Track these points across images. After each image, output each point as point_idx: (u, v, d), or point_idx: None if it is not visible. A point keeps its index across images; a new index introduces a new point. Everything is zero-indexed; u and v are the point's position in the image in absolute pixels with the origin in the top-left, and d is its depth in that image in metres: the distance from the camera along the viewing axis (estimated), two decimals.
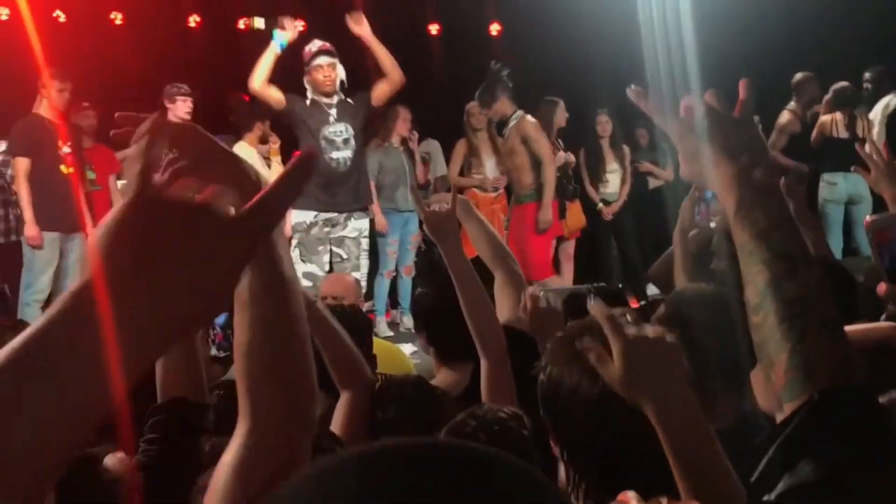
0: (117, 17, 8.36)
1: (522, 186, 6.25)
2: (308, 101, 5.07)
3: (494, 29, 9.17)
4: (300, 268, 5.01)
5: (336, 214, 5.07)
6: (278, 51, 5.06)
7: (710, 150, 1.11)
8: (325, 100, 5.03)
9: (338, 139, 5.00)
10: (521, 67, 8.11)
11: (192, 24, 8.71)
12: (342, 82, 5.10)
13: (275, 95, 5.03)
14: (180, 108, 5.98)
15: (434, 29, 9.20)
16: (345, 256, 5.10)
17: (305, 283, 5.00)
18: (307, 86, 5.09)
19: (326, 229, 5.06)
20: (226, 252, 0.64)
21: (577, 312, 2.42)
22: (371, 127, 5.89)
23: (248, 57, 8.56)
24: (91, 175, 6.23)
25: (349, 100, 5.14)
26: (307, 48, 5.02)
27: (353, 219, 5.11)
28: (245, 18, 8.77)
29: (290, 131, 6.20)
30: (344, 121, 5.01)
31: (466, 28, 9.06)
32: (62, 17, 8.19)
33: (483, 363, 2.30)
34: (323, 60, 4.95)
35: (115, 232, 0.63)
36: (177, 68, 7.32)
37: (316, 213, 5.01)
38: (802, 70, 7.19)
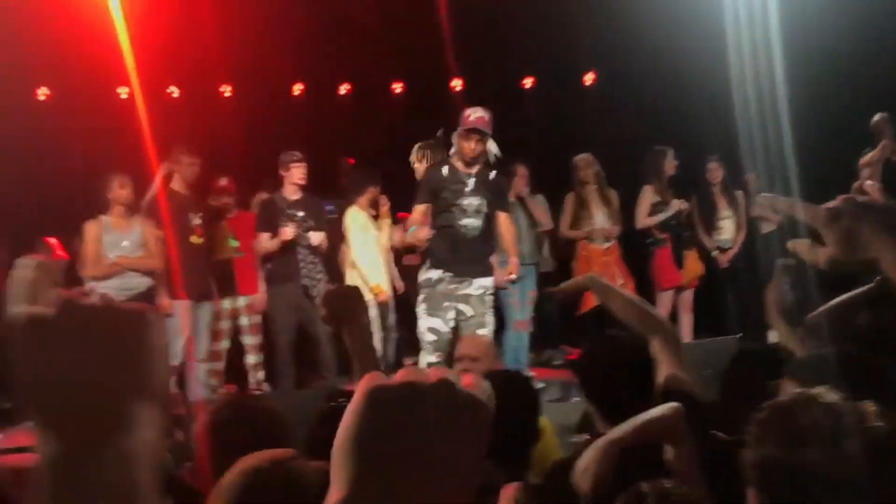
0: (226, 90, 8.70)
1: None
2: (446, 169, 5.14)
3: (588, 78, 9.15)
4: (425, 322, 5.08)
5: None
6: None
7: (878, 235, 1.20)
8: (464, 169, 5.10)
9: (470, 209, 5.10)
10: (619, 117, 8.10)
11: (296, 93, 8.99)
12: (495, 156, 5.22)
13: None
14: (295, 175, 6.12)
15: (528, 82, 9.27)
16: (470, 314, 5.09)
17: (430, 336, 5.06)
18: (453, 142, 5.18)
19: (452, 286, 5.07)
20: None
21: None
22: None
23: (352, 120, 8.93)
24: (234, 243, 6.42)
25: (490, 175, 5.19)
26: (468, 111, 5.06)
27: (478, 277, 5.12)
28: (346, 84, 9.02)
29: (399, 194, 6.30)
30: (479, 194, 5.10)
31: (561, 79, 9.09)
32: (175, 93, 8.59)
33: None
34: (475, 134, 5.04)
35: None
36: (285, 136, 7.54)
37: (443, 270, 5.07)
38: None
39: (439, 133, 5.79)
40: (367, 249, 6.19)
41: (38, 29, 6.72)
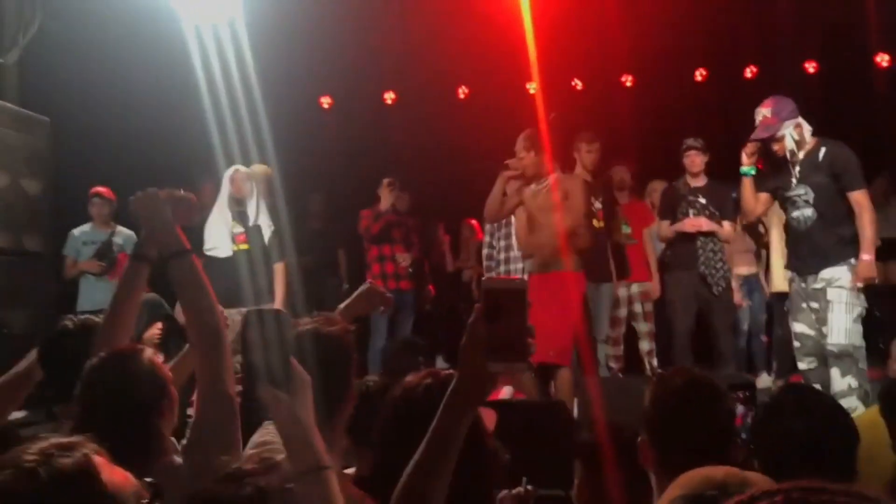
0: (627, 80, 8.79)
1: None
2: None
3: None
4: None
5: None
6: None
7: None
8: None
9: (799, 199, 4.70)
10: None
11: (699, 78, 8.78)
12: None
13: None
14: (690, 162, 5.97)
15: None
16: None
17: None
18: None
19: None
20: None
21: None
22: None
23: (749, 104, 8.50)
24: (626, 229, 6.54)
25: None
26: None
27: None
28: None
29: None
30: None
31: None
32: (579, 85, 8.90)
33: None
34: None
35: None
36: (687, 122, 7.41)
37: None
38: None
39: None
40: None
41: (456, 32, 7.40)
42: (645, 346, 6.58)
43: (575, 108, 7.81)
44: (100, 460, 1.26)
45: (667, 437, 2.05)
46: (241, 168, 5.79)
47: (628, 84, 8.80)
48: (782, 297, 5.64)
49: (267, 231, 5.72)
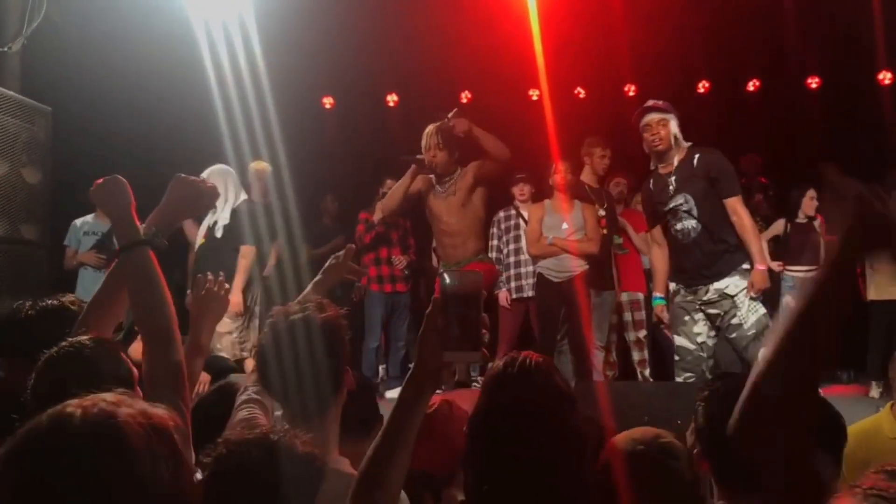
0: (630, 90, 8.80)
1: None
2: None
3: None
4: None
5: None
6: None
7: None
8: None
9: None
10: None
11: (702, 91, 8.80)
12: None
13: None
14: None
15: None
16: None
17: None
18: None
19: None
20: None
21: None
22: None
23: (751, 118, 8.54)
24: (618, 240, 6.55)
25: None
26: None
27: None
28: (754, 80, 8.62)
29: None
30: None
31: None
32: (582, 93, 8.91)
33: None
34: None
35: None
36: (688, 134, 7.40)
37: None
38: None
39: None
40: None
41: (461, 37, 7.40)
42: (636, 355, 6.58)
43: (577, 116, 7.81)
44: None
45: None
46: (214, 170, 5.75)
47: (631, 94, 8.81)
48: None
49: (220, 230, 5.67)
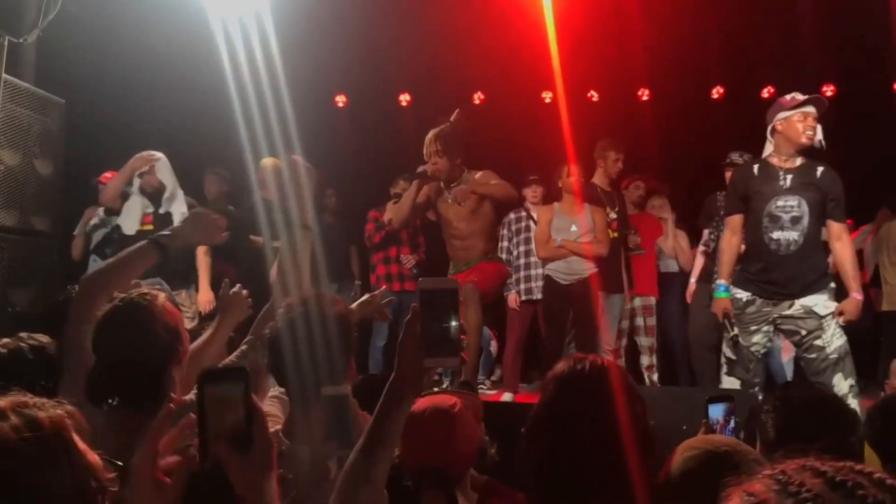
0: (644, 94, 8.78)
1: None
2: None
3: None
4: None
5: None
6: None
7: None
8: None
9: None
10: None
11: (716, 96, 8.76)
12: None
13: None
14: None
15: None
16: None
17: None
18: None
19: None
20: None
21: None
22: None
23: (764, 125, 8.48)
24: (636, 239, 6.53)
25: None
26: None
27: None
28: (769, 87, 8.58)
29: None
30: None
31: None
32: (595, 97, 8.89)
33: None
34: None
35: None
36: (701, 139, 7.40)
37: None
38: None
39: None
40: None
41: (476, 38, 7.40)
42: (645, 360, 6.56)
43: (590, 119, 7.79)
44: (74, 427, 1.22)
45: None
46: (158, 163, 5.80)
47: (644, 98, 8.79)
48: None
49: (177, 220, 5.69)
